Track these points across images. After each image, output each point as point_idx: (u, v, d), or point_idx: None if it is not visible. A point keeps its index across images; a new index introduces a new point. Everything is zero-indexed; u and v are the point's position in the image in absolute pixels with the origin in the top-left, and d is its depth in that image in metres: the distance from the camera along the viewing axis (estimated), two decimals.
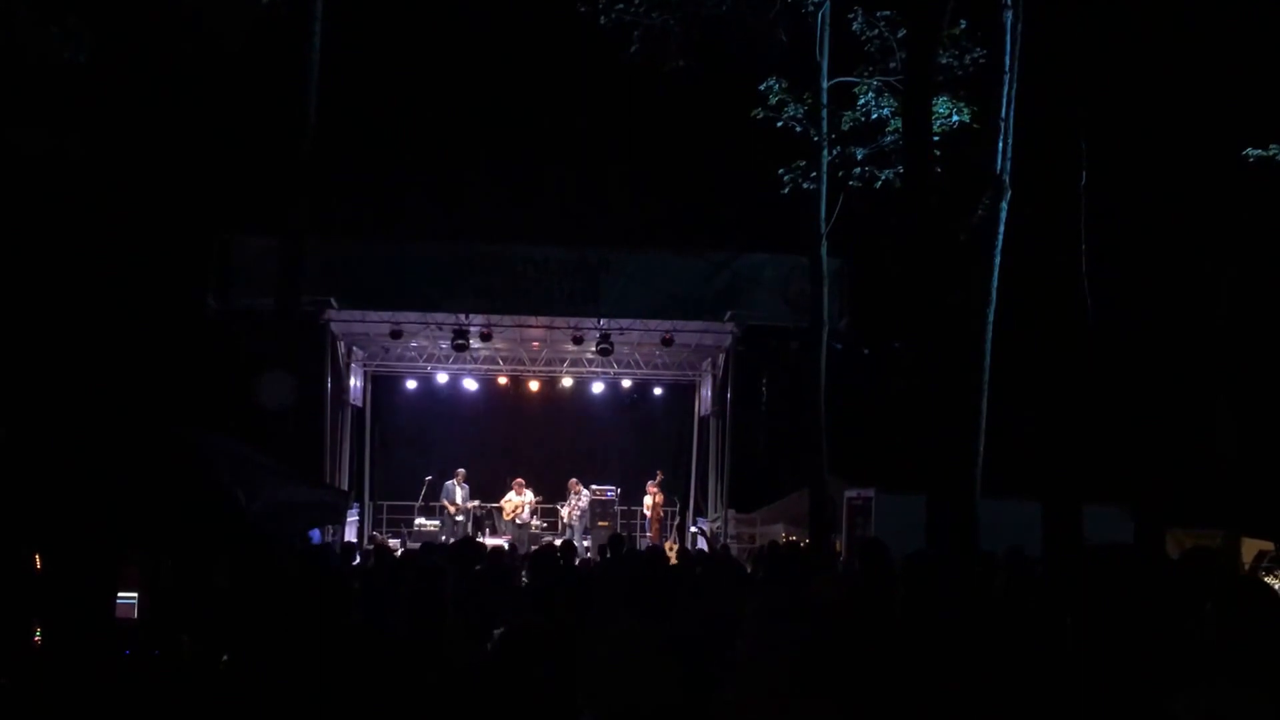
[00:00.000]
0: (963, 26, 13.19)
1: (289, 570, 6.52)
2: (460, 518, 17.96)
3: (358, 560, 10.64)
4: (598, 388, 20.03)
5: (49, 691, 4.99)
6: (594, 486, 18.55)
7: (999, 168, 10.47)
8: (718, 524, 17.52)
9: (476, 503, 18.33)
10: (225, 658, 5.68)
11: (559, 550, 9.06)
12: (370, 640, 4.44)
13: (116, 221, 15.13)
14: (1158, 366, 16.29)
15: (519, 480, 18.46)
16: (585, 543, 17.56)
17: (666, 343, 17.41)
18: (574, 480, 18.49)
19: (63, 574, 5.88)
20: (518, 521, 18.13)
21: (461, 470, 18.30)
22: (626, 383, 19.91)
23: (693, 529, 18.41)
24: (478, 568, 7.66)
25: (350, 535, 16.41)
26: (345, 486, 17.29)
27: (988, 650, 3.82)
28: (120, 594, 6.70)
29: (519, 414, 20.50)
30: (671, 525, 19.23)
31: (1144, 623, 3.66)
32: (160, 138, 15.17)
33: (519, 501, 18.25)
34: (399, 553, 11.52)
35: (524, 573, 7.75)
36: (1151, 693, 3.21)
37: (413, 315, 16.89)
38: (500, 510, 18.49)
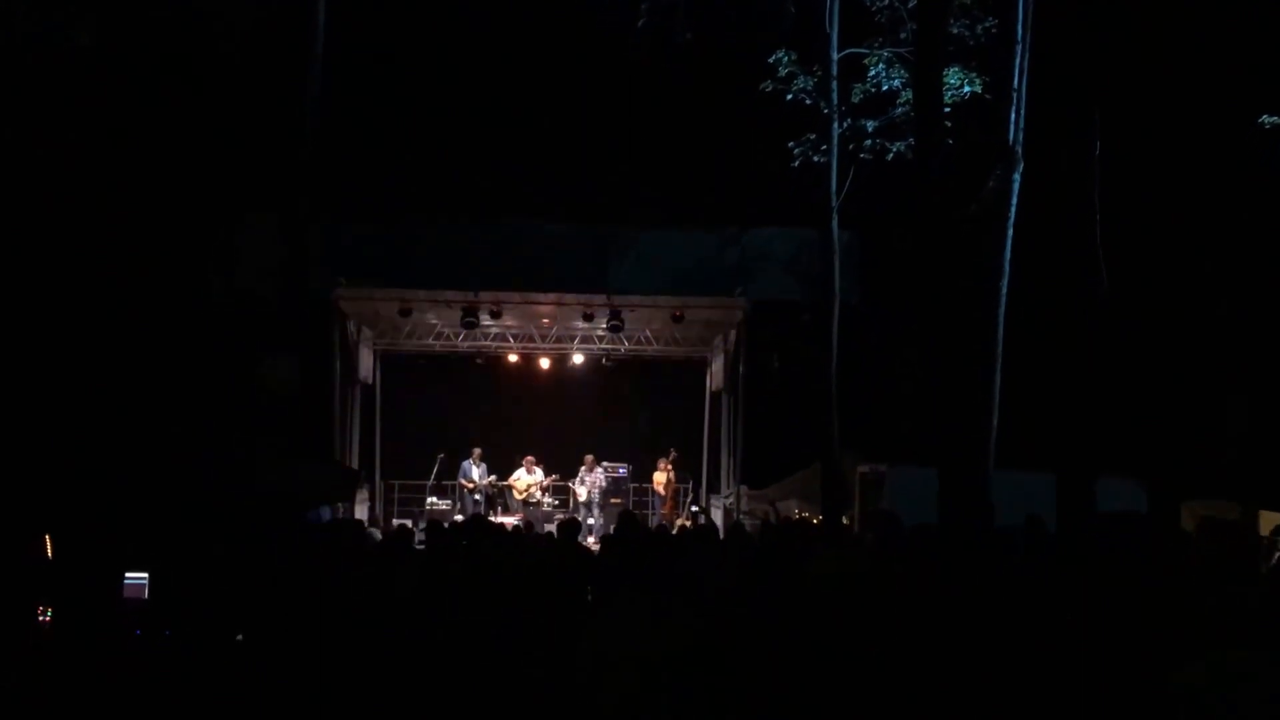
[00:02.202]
0: None
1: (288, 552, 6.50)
2: (478, 496, 17.97)
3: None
4: (608, 364, 19.98)
5: (58, 673, 5.00)
6: (606, 464, 18.54)
7: (1011, 139, 10.35)
8: (730, 500, 17.49)
9: (492, 478, 18.33)
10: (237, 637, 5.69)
11: (565, 528, 9.01)
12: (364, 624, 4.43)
13: (121, 205, 15.07)
14: (1173, 338, 16.15)
15: (529, 458, 18.43)
16: (601, 520, 17.58)
17: (677, 319, 17.34)
18: (589, 456, 18.46)
19: (71, 556, 5.88)
20: (530, 501, 18.12)
21: (478, 449, 18.30)
22: (637, 359, 19.85)
23: (695, 508, 18.38)
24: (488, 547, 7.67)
25: (362, 514, 16.45)
26: (355, 465, 17.31)
27: (995, 622, 3.76)
28: (132, 575, 6.70)
29: (530, 391, 20.48)
30: (685, 503, 19.22)
31: (1155, 591, 3.61)
32: (164, 118, 15.08)
33: (530, 480, 18.24)
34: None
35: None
36: (1161, 662, 3.15)
37: (422, 293, 16.84)
38: (511, 489, 18.49)
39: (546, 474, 18.41)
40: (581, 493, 18.34)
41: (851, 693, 3.36)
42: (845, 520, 14.25)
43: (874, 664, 3.41)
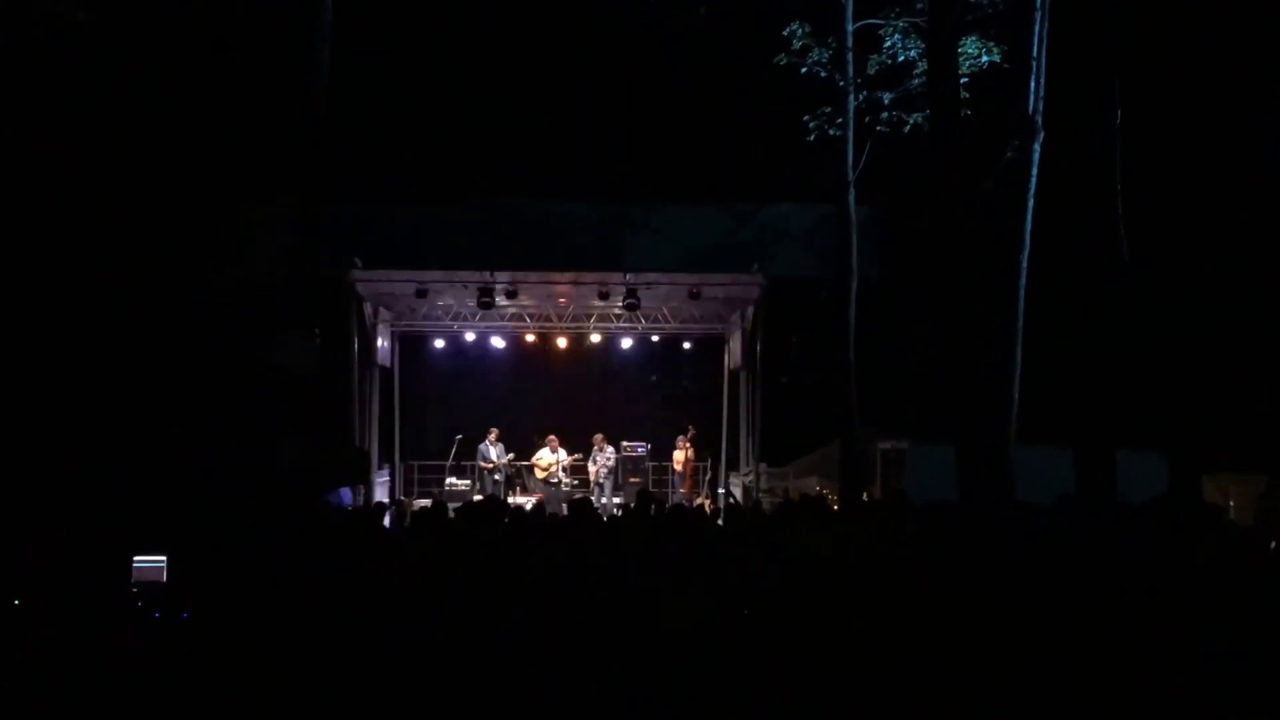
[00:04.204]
0: None
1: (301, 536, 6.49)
2: (497, 476, 17.99)
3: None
4: (625, 343, 19.93)
5: (66, 658, 5.00)
6: (624, 443, 18.52)
7: (1030, 109, 10.19)
8: (749, 478, 17.43)
9: (511, 457, 18.34)
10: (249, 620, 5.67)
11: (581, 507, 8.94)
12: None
13: (137, 192, 15.09)
14: (1195, 309, 15.95)
15: (552, 437, 18.43)
16: (616, 499, 17.55)
17: (694, 296, 17.24)
18: (599, 435, 18.43)
19: (79, 540, 5.88)
20: (551, 480, 18.13)
21: (494, 429, 18.31)
22: (654, 337, 19.79)
23: (721, 490, 18.31)
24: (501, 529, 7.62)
25: (381, 496, 16.48)
26: (374, 448, 17.33)
27: (1008, 597, 3.68)
28: (151, 558, 6.70)
29: (547, 371, 20.46)
30: (704, 480, 19.18)
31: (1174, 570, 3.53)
32: (175, 102, 15.08)
33: (553, 459, 18.24)
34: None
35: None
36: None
37: (438, 274, 16.80)
38: (531, 469, 18.50)
39: (568, 453, 18.43)
40: (592, 472, 18.39)
41: (856, 674, 3.31)
42: (866, 498, 14.18)
43: (878, 644, 3.35)
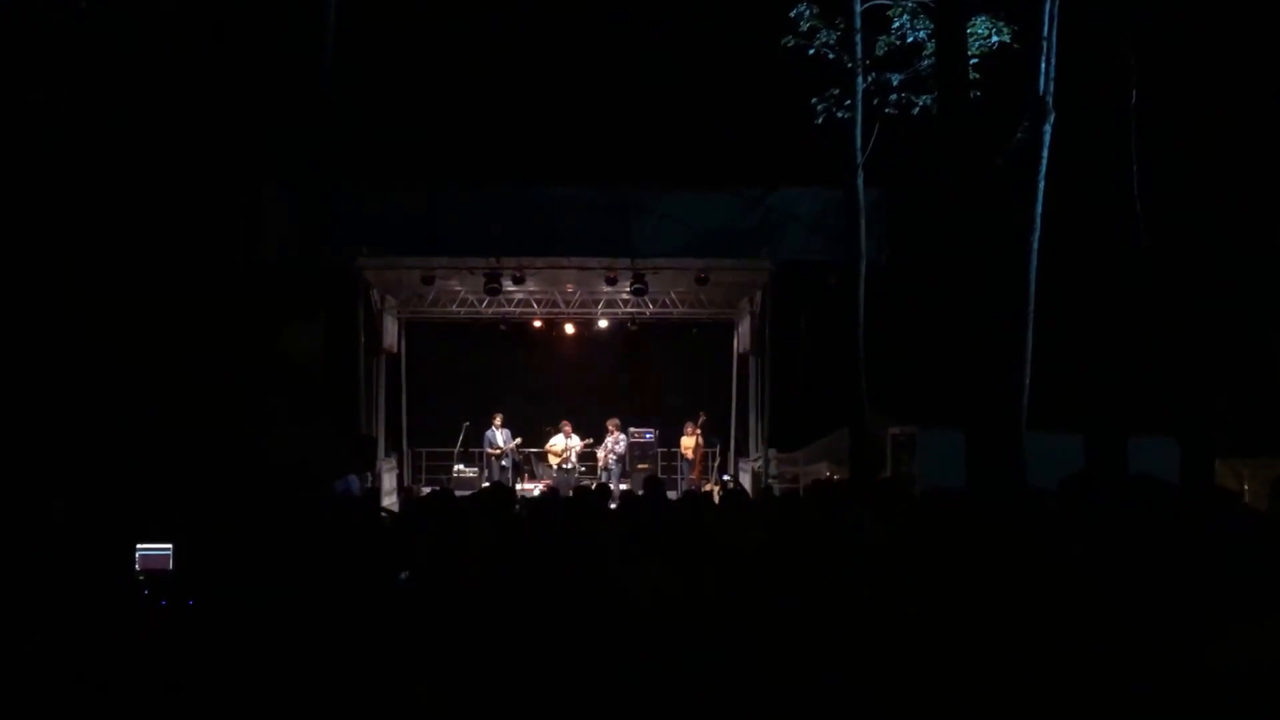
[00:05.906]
0: None
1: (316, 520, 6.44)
2: (505, 462, 17.94)
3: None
4: (633, 328, 19.84)
5: (70, 646, 4.97)
6: (632, 429, 18.45)
7: (1042, 89, 10.07)
8: (759, 464, 17.36)
9: (518, 442, 18.29)
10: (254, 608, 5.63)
11: (594, 493, 8.88)
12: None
13: (145, 179, 15.03)
14: (1214, 289, 15.78)
15: (565, 423, 18.38)
16: (624, 486, 17.50)
17: (701, 281, 17.14)
18: (613, 421, 18.37)
19: (83, 527, 5.85)
20: (564, 466, 18.09)
21: (499, 414, 18.27)
22: (662, 322, 19.70)
23: (725, 477, 18.23)
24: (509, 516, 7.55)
25: (389, 483, 16.46)
26: (382, 435, 17.32)
27: (1011, 588, 3.58)
28: (157, 545, 6.67)
29: (555, 357, 20.41)
30: (714, 467, 19.12)
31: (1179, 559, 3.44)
32: (179, 88, 15.00)
33: (566, 445, 18.19)
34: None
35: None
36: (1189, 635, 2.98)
37: (444, 260, 16.74)
38: (542, 455, 18.46)
39: (583, 440, 18.38)
40: (601, 457, 18.36)
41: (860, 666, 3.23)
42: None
43: (871, 634, 3.28)
